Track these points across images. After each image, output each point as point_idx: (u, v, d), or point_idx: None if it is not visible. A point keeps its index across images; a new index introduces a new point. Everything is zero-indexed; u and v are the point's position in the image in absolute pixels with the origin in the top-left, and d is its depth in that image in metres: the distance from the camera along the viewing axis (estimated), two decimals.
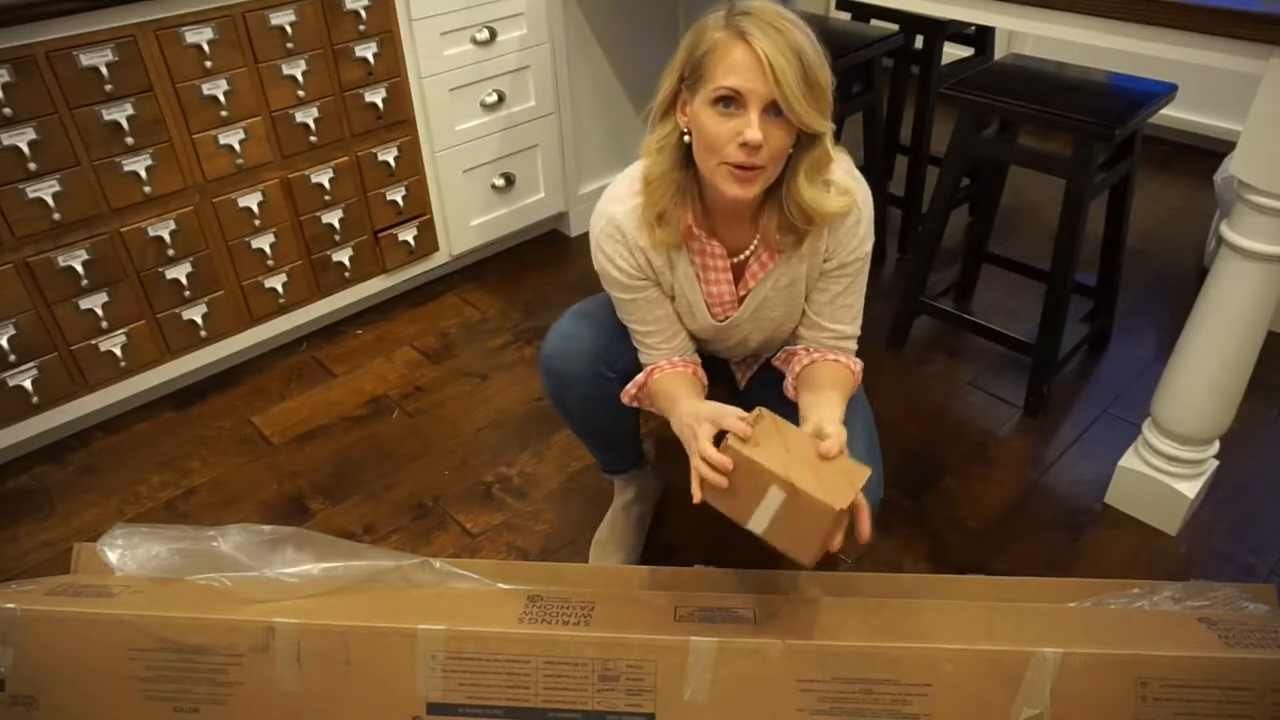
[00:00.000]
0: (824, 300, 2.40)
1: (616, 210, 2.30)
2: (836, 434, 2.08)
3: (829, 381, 2.37)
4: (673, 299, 2.42)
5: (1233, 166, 2.42)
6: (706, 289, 2.37)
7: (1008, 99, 3.03)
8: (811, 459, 2.05)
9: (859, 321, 2.43)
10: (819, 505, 1.97)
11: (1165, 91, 3.05)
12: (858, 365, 2.45)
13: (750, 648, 2.32)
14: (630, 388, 2.45)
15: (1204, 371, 2.66)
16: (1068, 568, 2.78)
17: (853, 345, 2.44)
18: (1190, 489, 2.83)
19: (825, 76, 2.07)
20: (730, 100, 2.05)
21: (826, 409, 2.23)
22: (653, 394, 2.40)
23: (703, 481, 2.09)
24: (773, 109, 2.05)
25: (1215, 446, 2.83)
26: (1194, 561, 2.79)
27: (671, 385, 2.36)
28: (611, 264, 2.32)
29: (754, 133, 2.03)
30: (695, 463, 2.13)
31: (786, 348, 2.52)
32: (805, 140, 2.14)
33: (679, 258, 2.33)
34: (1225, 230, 2.49)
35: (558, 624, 2.41)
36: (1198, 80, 3.33)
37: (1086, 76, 3.17)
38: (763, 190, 2.16)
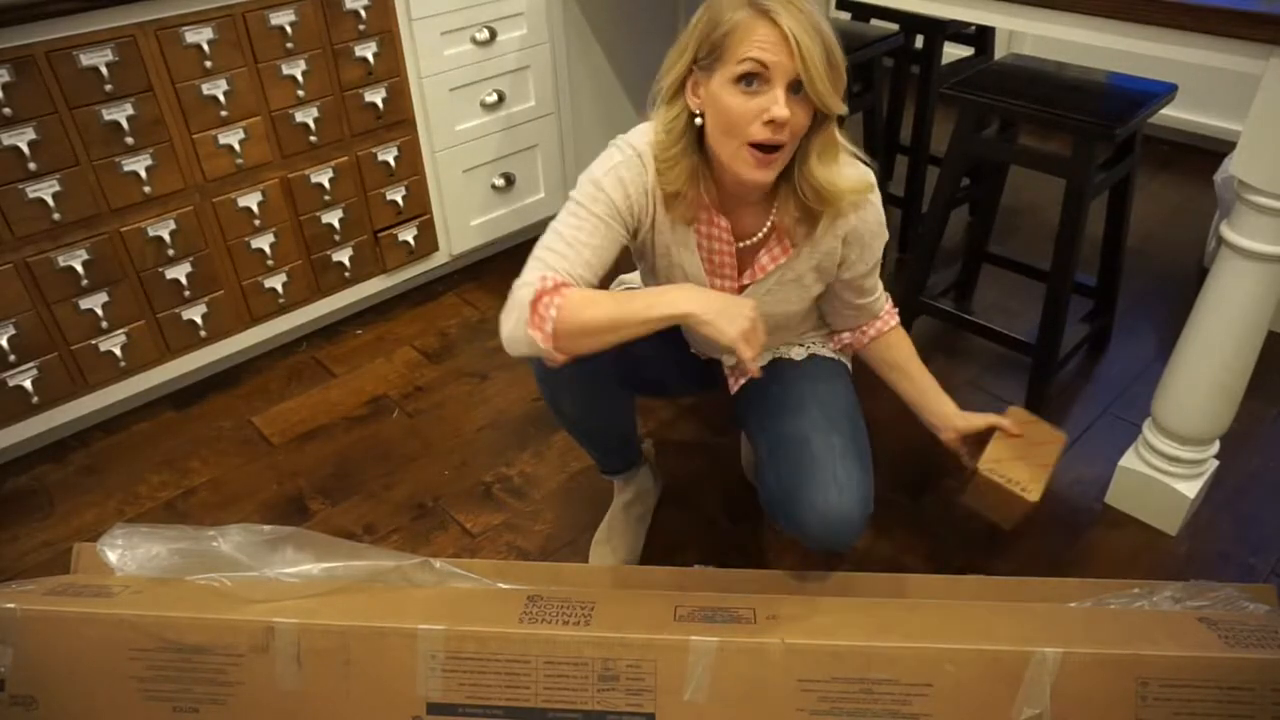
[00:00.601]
0: (864, 287, 2.51)
1: (649, 152, 2.30)
2: (984, 419, 2.56)
3: (906, 356, 2.65)
4: (666, 266, 2.44)
5: (1233, 166, 2.45)
6: (708, 263, 2.39)
7: (1008, 99, 3.04)
8: (1009, 439, 2.56)
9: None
10: (1059, 445, 2.57)
11: (1165, 91, 3.06)
12: (894, 311, 2.65)
13: (750, 647, 2.33)
14: (538, 296, 2.19)
15: (1204, 371, 2.68)
16: (1068, 568, 2.79)
17: (883, 294, 2.60)
18: (1190, 489, 2.84)
19: (842, 58, 2.11)
20: (754, 78, 2.08)
21: (945, 402, 2.61)
22: (585, 299, 2.19)
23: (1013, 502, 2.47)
24: (793, 87, 2.07)
25: (1215, 446, 2.85)
26: (1194, 561, 2.81)
27: (598, 295, 2.24)
28: (621, 188, 2.28)
29: (781, 109, 2.06)
30: (747, 328, 2.12)
31: (849, 328, 2.63)
32: (817, 121, 2.16)
33: (678, 226, 2.35)
34: (1225, 230, 2.51)
35: (558, 624, 2.41)
36: (1198, 80, 3.34)
37: (1086, 76, 3.19)
38: (778, 173, 2.18)
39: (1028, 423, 2.60)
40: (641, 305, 2.16)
